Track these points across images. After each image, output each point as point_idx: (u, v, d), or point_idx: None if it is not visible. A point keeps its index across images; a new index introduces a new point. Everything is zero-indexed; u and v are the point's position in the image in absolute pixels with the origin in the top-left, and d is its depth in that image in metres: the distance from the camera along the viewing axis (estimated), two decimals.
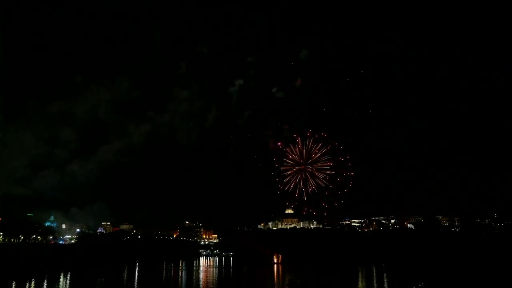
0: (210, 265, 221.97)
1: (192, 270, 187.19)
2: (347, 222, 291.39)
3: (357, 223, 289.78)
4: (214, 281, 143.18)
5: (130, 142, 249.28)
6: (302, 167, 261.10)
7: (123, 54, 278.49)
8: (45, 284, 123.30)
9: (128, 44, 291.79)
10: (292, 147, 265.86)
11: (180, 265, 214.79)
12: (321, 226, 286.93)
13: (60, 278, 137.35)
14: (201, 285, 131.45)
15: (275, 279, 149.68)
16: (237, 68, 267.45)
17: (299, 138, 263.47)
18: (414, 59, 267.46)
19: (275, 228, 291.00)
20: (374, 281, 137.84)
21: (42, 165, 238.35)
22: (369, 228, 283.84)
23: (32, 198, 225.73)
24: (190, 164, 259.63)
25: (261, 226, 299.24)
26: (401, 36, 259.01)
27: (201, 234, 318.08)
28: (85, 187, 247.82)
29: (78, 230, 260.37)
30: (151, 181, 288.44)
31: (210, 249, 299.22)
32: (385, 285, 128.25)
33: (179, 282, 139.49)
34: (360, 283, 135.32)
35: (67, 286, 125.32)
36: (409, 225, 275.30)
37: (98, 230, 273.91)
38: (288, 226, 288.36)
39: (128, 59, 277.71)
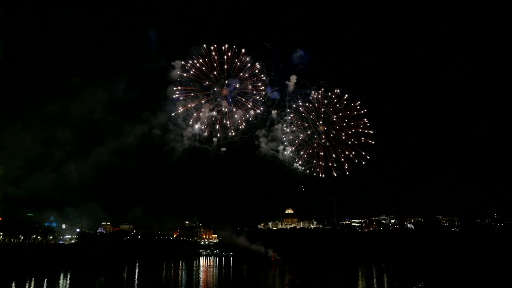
0: (210, 265, 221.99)
1: (192, 270, 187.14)
2: (347, 222, 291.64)
3: (357, 223, 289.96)
4: (214, 281, 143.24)
5: (126, 143, 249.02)
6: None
7: (119, 55, 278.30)
8: (45, 284, 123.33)
9: (124, 44, 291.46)
10: None
11: (180, 265, 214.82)
12: (321, 226, 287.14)
13: (60, 278, 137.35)
14: (201, 285, 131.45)
15: (275, 279, 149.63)
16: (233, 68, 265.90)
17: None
18: (415, 58, 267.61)
19: (275, 228, 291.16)
20: (374, 281, 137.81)
21: (38, 166, 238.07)
22: (369, 228, 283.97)
23: (27, 198, 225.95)
24: (185, 164, 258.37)
25: (261, 226, 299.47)
26: (400, 34, 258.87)
27: (201, 234, 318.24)
28: (81, 187, 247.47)
29: (78, 230, 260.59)
30: (147, 182, 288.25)
31: (210, 249, 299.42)
32: (385, 285, 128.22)
33: (179, 282, 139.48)
34: (360, 283, 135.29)
35: (67, 286, 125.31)
36: (409, 225, 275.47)
37: (98, 230, 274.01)
38: (288, 226, 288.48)
39: (125, 59, 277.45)
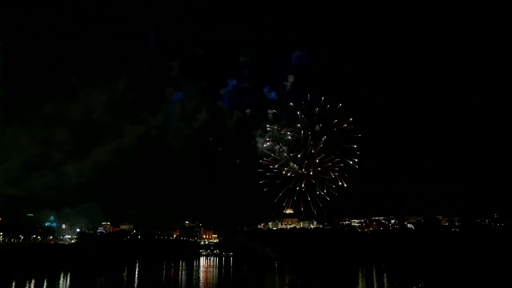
0: (210, 265, 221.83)
1: (192, 270, 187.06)
2: (347, 222, 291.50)
3: (357, 223, 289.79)
4: (214, 281, 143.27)
5: (124, 142, 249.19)
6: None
7: (118, 56, 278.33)
8: (45, 284, 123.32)
9: (123, 45, 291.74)
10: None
11: (180, 265, 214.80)
12: (321, 226, 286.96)
13: (60, 278, 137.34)
14: (201, 285, 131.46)
15: (275, 279, 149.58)
16: (231, 68, 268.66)
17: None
18: (415, 58, 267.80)
19: (275, 228, 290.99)
20: (374, 281, 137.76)
21: (37, 166, 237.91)
22: (369, 228, 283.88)
23: (25, 198, 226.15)
24: (183, 164, 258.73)
25: (261, 226, 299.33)
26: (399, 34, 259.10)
27: (201, 234, 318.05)
28: (79, 187, 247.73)
29: (78, 230, 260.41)
30: (146, 181, 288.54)
31: (210, 249, 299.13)
32: (385, 285, 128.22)
33: (179, 282, 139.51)
34: (360, 283, 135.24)
35: (67, 286, 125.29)
36: (409, 225, 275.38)
37: (98, 230, 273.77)
38: (288, 226, 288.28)
39: (123, 60, 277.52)
